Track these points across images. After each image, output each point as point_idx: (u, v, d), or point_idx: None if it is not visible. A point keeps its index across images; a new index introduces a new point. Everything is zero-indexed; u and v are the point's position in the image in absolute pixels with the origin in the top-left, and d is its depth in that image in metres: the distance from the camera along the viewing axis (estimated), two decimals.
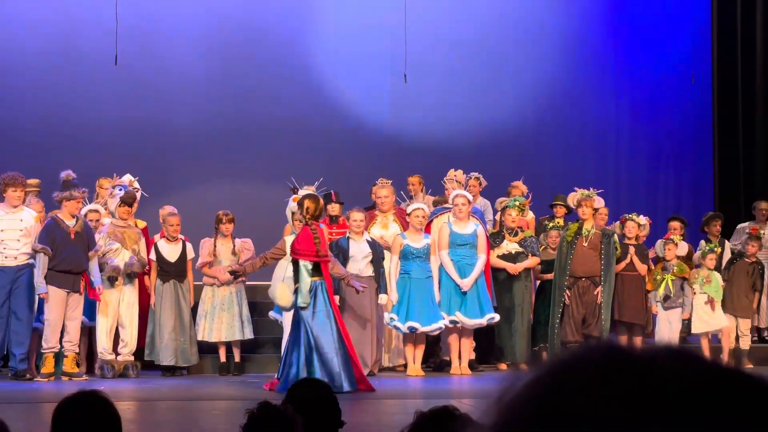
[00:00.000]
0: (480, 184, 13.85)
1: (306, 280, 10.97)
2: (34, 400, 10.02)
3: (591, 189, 13.45)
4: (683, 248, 13.68)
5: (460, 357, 12.80)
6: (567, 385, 0.85)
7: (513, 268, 13.18)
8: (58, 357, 12.02)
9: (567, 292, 13.10)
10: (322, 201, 11.41)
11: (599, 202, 13.45)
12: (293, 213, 11.75)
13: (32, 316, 12.12)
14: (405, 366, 12.85)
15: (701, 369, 0.86)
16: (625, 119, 16.83)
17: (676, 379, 0.84)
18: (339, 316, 11.08)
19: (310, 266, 11.00)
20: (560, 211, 13.94)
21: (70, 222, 11.96)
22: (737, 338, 13.57)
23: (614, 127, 16.87)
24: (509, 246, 13.32)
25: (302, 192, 12.35)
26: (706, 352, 13.33)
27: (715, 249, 13.56)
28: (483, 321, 12.76)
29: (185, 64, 16.02)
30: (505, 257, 13.28)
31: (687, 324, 13.73)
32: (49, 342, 11.91)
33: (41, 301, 12.01)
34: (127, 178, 12.84)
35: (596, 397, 0.83)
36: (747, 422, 0.83)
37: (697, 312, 13.43)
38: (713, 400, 0.83)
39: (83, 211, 12.45)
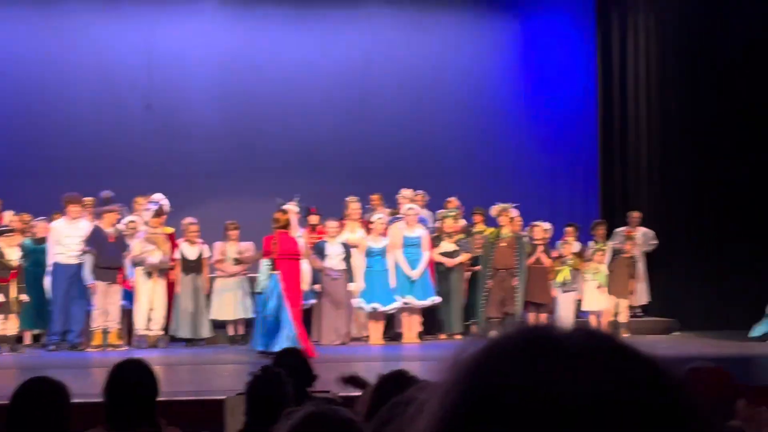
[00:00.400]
0: (422, 198, 13.87)
1: (265, 272, 10.98)
2: (87, 366, 9.97)
3: (508, 203, 13.56)
4: (576, 247, 13.80)
5: (410, 329, 12.85)
6: (501, 354, 0.82)
7: (450, 262, 13.25)
8: (105, 333, 11.99)
9: (489, 281, 13.21)
10: (287, 215, 11.38)
11: (514, 212, 13.56)
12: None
13: (85, 301, 12.09)
14: (369, 336, 12.91)
15: (598, 340, 0.83)
16: (533, 148, 16.72)
17: (580, 347, 0.81)
18: (290, 301, 10.98)
19: (269, 263, 10.99)
20: (478, 218, 13.95)
21: (110, 230, 11.97)
22: (617, 314, 13.71)
23: (524, 154, 16.74)
24: (447, 246, 13.38)
25: (288, 206, 12.40)
26: (594, 325, 13.43)
27: (602, 247, 13.72)
28: (427, 302, 12.84)
29: (201, 108, 15.93)
30: (444, 254, 13.34)
31: (579, 304, 13.86)
32: (96, 321, 11.90)
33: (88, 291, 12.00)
34: (159, 196, 12.83)
35: (521, 363, 0.80)
36: (625, 378, 0.80)
37: (588, 295, 13.56)
38: (604, 363, 0.80)
39: (125, 221, 12.48)
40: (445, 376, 0.83)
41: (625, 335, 12.27)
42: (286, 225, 11.28)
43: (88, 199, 12.88)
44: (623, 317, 13.70)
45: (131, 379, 3.75)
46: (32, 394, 3.51)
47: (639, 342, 0.83)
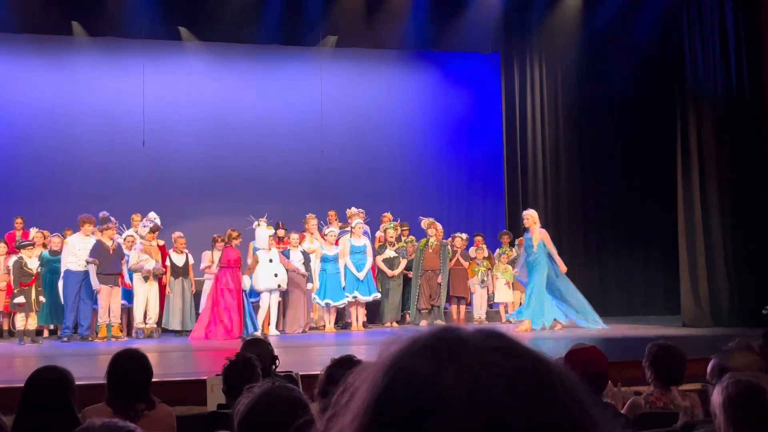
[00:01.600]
0: (363, 214, 13.77)
1: None
2: (94, 354, 9.78)
3: (432, 218, 13.63)
4: (485, 251, 13.91)
5: (357, 319, 12.82)
6: (412, 349, 0.79)
7: (390, 273, 13.23)
8: (109, 327, 11.78)
9: (421, 279, 13.26)
10: (234, 233, 11.81)
11: (438, 226, 13.63)
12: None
13: (92, 301, 11.88)
14: (324, 326, 12.85)
15: (492, 339, 0.80)
16: (451, 173, 16.82)
17: (475, 345, 0.79)
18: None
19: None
20: (406, 232, 13.96)
21: (109, 243, 11.78)
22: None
23: (445, 178, 16.81)
24: (389, 253, 13.37)
25: (258, 222, 12.37)
26: (503, 314, 13.55)
27: (507, 252, 13.82)
28: (370, 298, 12.81)
29: (187, 143, 15.80)
30: (387, 259, 13.31)
31: (490, 297, 13.98)
32: (102, 317, 11.69)
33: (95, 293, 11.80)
34: (153, 215, 12.67)
35: (425, 359, 0.78)
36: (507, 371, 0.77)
37: (498, 290, 13.66)
38: (490, 357, 0.77)
39: (124, 235, 12.30)
40: (371, 367, 0.80)
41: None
42: (228, 240, 11.90)
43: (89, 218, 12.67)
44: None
45: (129, 364, 3.71)
46: (42, 380, 3.45)
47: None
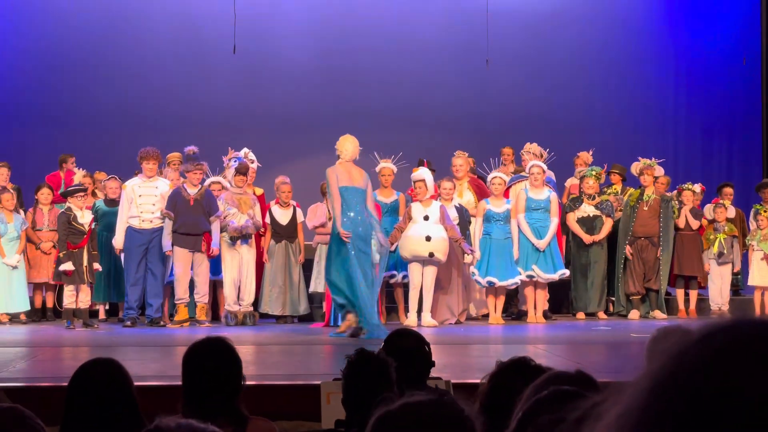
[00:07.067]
0: (543, 157, 13.55)
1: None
2: (168, 344, 10.13)
3: (652, 158, 13.35)
4: (732, 211, 13.50)
5: (535, 307, 12.77)
6: (730, 354, 0.84)
7: (588, 238, 13.07)
8: (190, 307, 12.16)
9: (629, 248, 13.07)
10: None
11: (659, 171, 13.33)
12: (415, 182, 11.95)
13: (165, 272, 12.24)
14: (488, 315, 12.85)
15: None
16: (683, 97, 16.59)
17: None
18: None
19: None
20: (616, 178, 13.79)
21: (192, 191, 12.01)
22: None
23: (672, 104, 16.64)
24: (587, 209, 13.22)
25: (382, 164, 12.47)
26: (757, 304, 13.16)
27: (767, 210, 13.32)
28: (556, 276, 12.70)
29: (292, 53, 16.08)
30: (583, 219, 13.17)
31: (736, 278, 13.62)
32: (179, 294, 12.02)
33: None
34: (243, 151, 12.93)
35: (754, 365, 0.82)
36: None
37: (753, 267, 13.24)
38: None
39: (207, 182, 12.58)
40: (654, 375, 0.85)
41: None
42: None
43: (173, 156, 12.99)
44: None
45: (209, 361, 3.76)
46: (88, 379, 3.58)
47: None
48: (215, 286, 12.64)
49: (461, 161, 13.17)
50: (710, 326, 0.87)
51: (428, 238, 11.83)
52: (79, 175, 13.00)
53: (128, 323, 11.93)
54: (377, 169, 12.74)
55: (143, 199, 12.09)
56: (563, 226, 13.19)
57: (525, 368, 3.10)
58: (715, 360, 0.83)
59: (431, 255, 11.88)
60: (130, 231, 12.09)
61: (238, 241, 12.24)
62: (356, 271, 10.66)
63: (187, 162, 12.35)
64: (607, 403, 0.87)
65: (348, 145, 11.02)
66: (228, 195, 12.34)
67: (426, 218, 11.92)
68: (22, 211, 12.71)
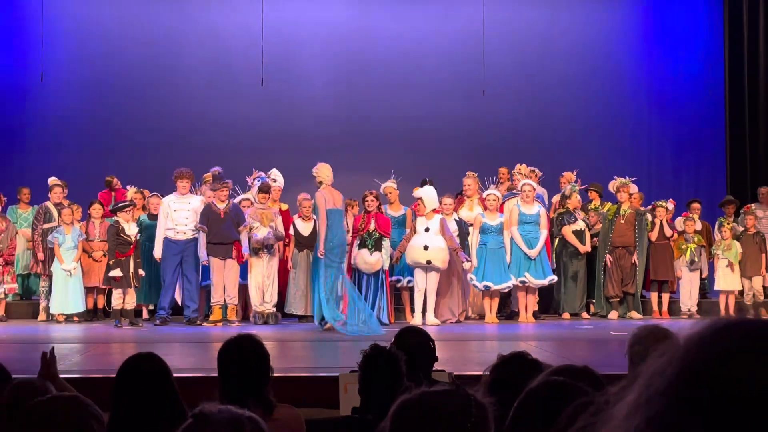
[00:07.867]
0: (536, 175, 13.53)
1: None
2: (204, 341, 10.13)
3: (627, 177, 13.31)
4: (699, 224, 13.47)
5: (526, 308, 12.71)
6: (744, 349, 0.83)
7: (583, 248, 13.01)
8: (224, 308, 12.19)
9: (609, 256, 13.02)
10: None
11: (634, 188, 13.31)
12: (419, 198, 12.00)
13: (199, 277, 12.31)
14: (484, 315, 12.81)
15: None
16: (656, 122, 16.49)
17: None
18: None
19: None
20: (594, 195, 13.69)
21: (221, 205, 12.12)
22: (746, 295, 13.29)
23: (646, 128, 16.53)
24: (580, 223, 13.13)
25: (385, 184, 12.53)
26: (722, 306, 13.10)
27: (727, 224, 13.32)
28: (545, 281, 12.66)
29: (313, 85, 16.09)
30: (576, 232, 13.10)
31: (703, 283, 13.58)
32: (215, 297, 12.11)
33: (207, 266, 12.22)
34: (273, 171, 13.03)
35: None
36: None
37: (718, 274, 13.20)
38: None
39: (237, 200, 12.65)
40: (680, 363, 0.83)
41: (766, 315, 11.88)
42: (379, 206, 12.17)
43: (209, 175, 13.09)
44: (756, 297, 13.23)
45: (241, 355, 3.78)
46: (136, 370, 3.59)
47: None
48: (244, 290, 12.65)
49: (470, 181, 13.19)
50: (723, 321, 0.86)
51: (426, 248, 11.88)
52: (131, 192, 13.21)
53: (158, 322, 12.07)
54: (382, 189, 12.81)
55: (178, 214, 12.19)
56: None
57: (523, 361, 3.09)
58: (740, 347, 0.82)
59: (428, 262, 11.93)
60: (167, 241, 12.21)
61: (262, 251, 12.26)
62: (345, 280, 11.26)
63: (215, 181, 12.49)
64: (626, 391, 0.86)
65: (327, 172, 11.38)
66: (252, 210, 12.43)
67: (427, 230, 11.97)
68: (77, 224, 12.83)
